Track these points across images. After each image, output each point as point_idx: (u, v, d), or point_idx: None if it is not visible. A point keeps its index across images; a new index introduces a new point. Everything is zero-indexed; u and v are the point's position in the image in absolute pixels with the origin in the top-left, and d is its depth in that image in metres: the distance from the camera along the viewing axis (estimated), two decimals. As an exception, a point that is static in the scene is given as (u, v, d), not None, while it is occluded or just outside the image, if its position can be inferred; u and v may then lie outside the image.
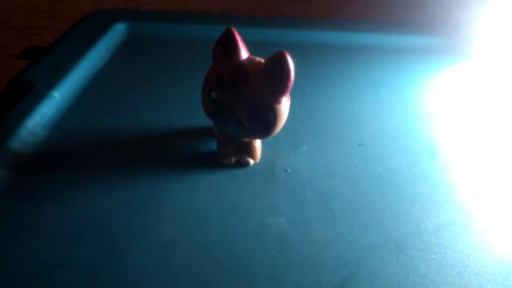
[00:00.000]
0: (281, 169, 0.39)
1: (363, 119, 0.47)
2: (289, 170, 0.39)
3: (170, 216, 0.34)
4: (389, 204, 0.36)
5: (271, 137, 0.36)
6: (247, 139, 0.38)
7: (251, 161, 0.39)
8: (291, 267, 0.31)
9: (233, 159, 0.39)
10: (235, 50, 0.34)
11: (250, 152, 0.39)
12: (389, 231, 0.34)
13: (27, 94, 0.45)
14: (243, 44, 0.35)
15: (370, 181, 0.38)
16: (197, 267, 0.30)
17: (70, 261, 0.30)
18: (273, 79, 0.33)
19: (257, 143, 0.39)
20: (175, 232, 0.33)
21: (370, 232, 0.34)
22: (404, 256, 0.32)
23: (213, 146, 0.40)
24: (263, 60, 0.34)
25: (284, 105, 0.34)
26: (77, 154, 0.40)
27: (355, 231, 0.34)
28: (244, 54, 0.35)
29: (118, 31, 0.61)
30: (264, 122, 0.34)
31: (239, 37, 0.34)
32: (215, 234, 0.33)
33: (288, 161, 0.40)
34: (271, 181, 0.38)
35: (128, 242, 0.32)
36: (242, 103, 0.34)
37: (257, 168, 0.39)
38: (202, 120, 0.38)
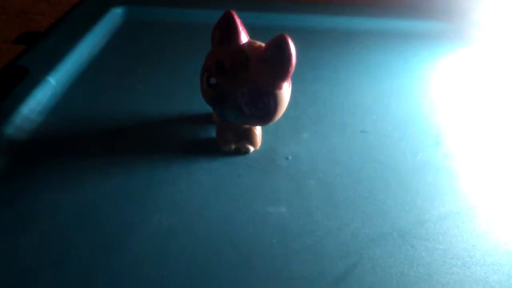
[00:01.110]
0: (282, 156, 0.38)
1: (365, 106, 0.46)
2: (290, 157, 0.38)
3: (168, 205, 0.33)
4: (392, 192, 0.35)
5: (271, 124, 0.35)
6: (247, 126, 0.37)
7: (251, 148, 0.38)
8: (292, 257, 0.30)
9: (233, 146, 0.38)
10: (235, 34, 0.33)
11: (250, 139, 0.38)
12: (392, 220, 0.33)
13: (22, 79, 0.44)
14: (243, 28, 0.34)
15: (372, 169, 0.38)
16: (196, 257, 0.30)
17: (67, 250, 0.30)
18: (274, 64, 0.32)
19: (257, 130, 0.38)
20: (174, 221, 0.32)
21: (373, 221, 0.33)
22: (407, 245, 0.31)
23: (212, 133, 0.40)
24: (263, 45, 0.33)
25: (285, 91, 0.33)
26: (73, 141, 0.40)
27: (358, 220, 0.33)
28: (244, 38, 0.34)
29: (114, 16, 0.60)
30: (264, 109, 0.33)
31: (239, 20, 0.33)
32: (215, 224, 0.32)
33: (289, 148, 0.39)
34: (272, 169, 0.37)
35: (125, 231, 0.31)
36: (242, 88, 0.33)
37: (257, 155, 0.38)
38: (201, 106, 0.37)
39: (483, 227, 0.33)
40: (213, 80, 0.33)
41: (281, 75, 0.32)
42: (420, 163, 0.39)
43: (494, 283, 0.29)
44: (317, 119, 0.43)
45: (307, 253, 0.30)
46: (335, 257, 0.30)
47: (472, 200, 0.35)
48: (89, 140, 0.40)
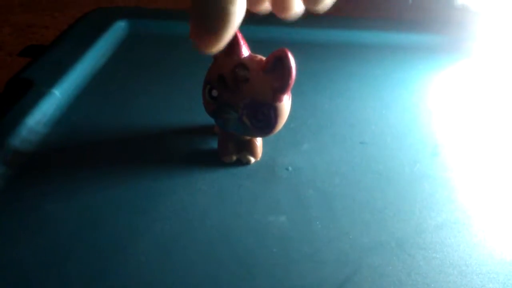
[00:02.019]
0: (282, 167, 0.39)
1: (364, 117, 0.47)
2: (290, 168, 0.39)
3: (170, 214, 0.34)
4: (390, 202, 0.36)
5: (272, 135, 0.36)
6: (248, 138, 0.38)
7: (252, 159, 0.39)
8: (292, 266, 0.31)
9: (234, 157, 0.39)
10: (237, 47, 0.34)
11: (251, 151, 0.39)
12: (391, 230, 0.34)
13: (28, 92, 0.45)
14: (244, 42, 0.35)
15: (371, 180, 0.38)
16: (198, 266, 0.30)
17: (70, 259, 0.30)
18: (274, 77, 0.33)
19: (258, 142, 0.39)
20: (175, 230, 0.33)
21: (371, 230, 0.34)
22: (405, 254, 0.32)
23: (214, 144, 0.40)
24: (264, 58, 0.34)
25: (285, 103, 0.34)
26: (77, 152, 0.40)
27: (357, 229, 0.34)
28: (245, 51, 0.35)
29: (118, 29, 0.61)
30: (265, 120, 0.34)
31: (240, 34, 0.34)
32: (216, 233, 0.33)
33: (289, 159, 0.40)
34: (272, 179, 0.38)
35: (128, 240, 0.32)
36: (243, 101, 0.33)
37: (258, 166, 0.39)
38: (203, 118, 0.38)
39: (479, 237, 0.33)
40: (214, 93, 0.34)
41: (282, 88, 0.33)
42: (418, 174, 0.39)
43: (491, 291, 0.30)
44: (316, 131, 0.44)
45: (307, 262, 0.31)
46: (335, 266, 0.31)
47: (469, 210, 0.36)
48: (92, 151, 0.40)
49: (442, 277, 0.30)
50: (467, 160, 0.41)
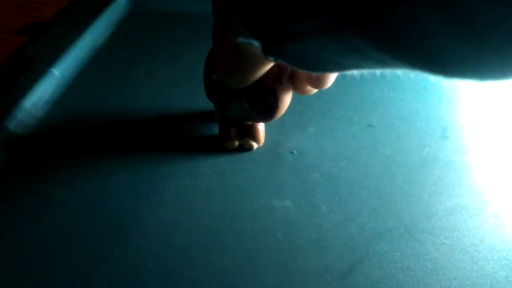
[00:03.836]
0: (287, 151, 0.38)
1: (371, 100, 0.45)
2: (295, 152, 0.38)
3: (173, 199, 0.33)
4: (398, 186, 0.35)
5: (276, 119, 0.35)
6: (250, 123, 0.37)
7: (255, 145, 0.38)
8: (297, 251, 0.30)
9: (236, 143, 0.38)
10: None
11: (254, 136, 0.37)
12: (399, 215, 0.33)
13: (26, 71, 0.44)
14: None
15: (379, 163, 0.37)
16: (201, 251, 0.30)
17: (71, 244, 0.30)
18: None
19: (261, 127, 0.38)
20: (178, 215, 0.32)
21: (379, 215, 0.33)
22: (414, 240, 0.31)
23: (217, 128, 0.39)
24: None
25: (286, 86, 0.33)
26: (76, 135, 0.39)
27: (364, 214, 0.33)
28: None
29: (119, 6, 0.59)
30: (265, 105, 0.33)
31: None
32: (219, 218, 0.32)
33: (294, 143, 0.39)
34: (277, 163, 0.37)
35: (130, 225, 0.31)
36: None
37: (262, 150, 0.38)
38: (206, 101, 0.37)
39: (491, 222, 0.33)
40: (214, 77, 0.33)
41: (281, 70, 0.32)
42: (427, 157, 0.38)
43: (502, 278, 0.29)
44: (322, 114, 0.43)
45: (312, 247, 0.30)
46: (341, 252, 0.30)
47: (480, 194, 0.35)
48: (92, 134, 0.39)
49: (452, 263, 0.30)
50: (478, 143, 0.40)
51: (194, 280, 0.28)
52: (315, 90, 0.30)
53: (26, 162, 0.36)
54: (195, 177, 0.35)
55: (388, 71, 0.18)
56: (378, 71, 0.19)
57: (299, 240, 0.31)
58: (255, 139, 0.38)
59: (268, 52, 0.20)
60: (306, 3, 0.16)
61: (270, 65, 0.28)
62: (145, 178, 0.35)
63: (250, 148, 0.38)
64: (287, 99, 0.33)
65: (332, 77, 0.27)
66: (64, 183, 0.34)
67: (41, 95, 0.42)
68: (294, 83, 0.30)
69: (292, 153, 0.38)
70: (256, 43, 0.20)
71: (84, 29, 0.52)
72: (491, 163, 0.38)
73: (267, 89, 0.32)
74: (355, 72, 0.20)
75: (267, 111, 0.33)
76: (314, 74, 0.27)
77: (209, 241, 0.30)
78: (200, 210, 0.33)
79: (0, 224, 0.31)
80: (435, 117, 0.43)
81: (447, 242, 0.31)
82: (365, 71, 0.20)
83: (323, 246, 0.30)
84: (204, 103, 0.37)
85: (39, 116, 0.40)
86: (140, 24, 0.58)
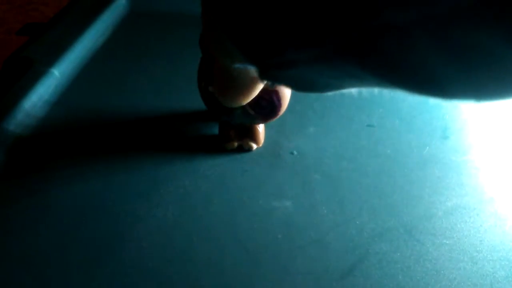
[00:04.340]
0: (287, 151, 0.38)
1: (371, 99, 0.45)
2: (295, 152, 0.38)
3: (172, 199, 0.33)
4: (398, 186, 0.35)
5: (276, 119, 0.35)
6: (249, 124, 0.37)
7: (254, 146, 0.38)
8: (297, 252, 0.30)
9: (236, 144, 0.38)
10: None
11: (253, 137, 0.37)
12: (399, 215, 0.33)
13: (26, 71, 0.44)
14: None
15: (379, 163, 0.37)
16: (201, 252, 0.30)
17: (71, 245, 0.30)
18: None
19: (260, 127, 0.38)
20: (178, 216, 0.32)
21: (379, 215, 0.33)
22: (414, 240, 0.31)
23: (216, 128, 0.39)
24: None
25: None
26: (76, 135, 0.39)
27: (364, 214, 0.33)
28: None
29: (119, 6, 0.59)
30: (268, 107, 0.33)
31: None
32: (219, 218, 0.32)
33: (294, 143, 0.39)
34: (277, 164, 0.37)
35: (130, 226, 0.31)
36: None
37: (262, 150, 0.38)
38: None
39: (491, 222, 0.33)
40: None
41: None
42: (427, 157, 0.38)
43: (502, 278, 0.29)
44: (322, 113, 0.43)
45: (312, 248, 0.30)
46: (341, 252, 0.30)
47: (480, 194, 0.35)
48: (92, 134, 0.39)
49: (452, 264, 0.29)
50: (478, 143, 0.40)
51: (194, 280, 0.28)
52: None
53: (25, 162, 0.36)
54: (195, 178, 0.35)
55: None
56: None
57: (299, 240, 0.31)
58: (255, 139, 0.38)
59: (264, 76, 0.20)
60: (301, 33, 0.16)
61: (263, 84, 0.27)
62: (145, 178, 0.35)
63: (250, 148, 0.38)
64: (288, 94, 0.34)
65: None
66: (64, 183, 0.34)
67: (40, 95, 0.42)
68: None
69: (292, 153, 0.38)
70: (251, 68, 0.20)
71: (84, 29, 0.52)
72: (491, 163, 0.38)
73: (268, 90, 0.32)
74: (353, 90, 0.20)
75: (271, 111, 0.34)
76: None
77: (209, 242, 0.30)
78: (200, 211, 0.33)
79: (0, 224, 0.31)
80: (435, 117, 0.43)
81: (447, 242, 0.31)
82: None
83: (323, 246, 0.30)
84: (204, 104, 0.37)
85: (38, 116, 0.40)
86: (140, 24, 0.58)
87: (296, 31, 0.16)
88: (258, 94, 0.32)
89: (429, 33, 0.12)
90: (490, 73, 0.12)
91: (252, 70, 0.20)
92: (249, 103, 0.32)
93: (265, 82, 0.23)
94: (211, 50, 0.25)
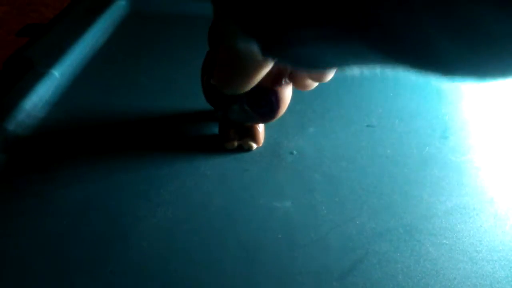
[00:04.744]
0: (287, 151, 0.38)
1: (371, 100, 0.45)
2: (295, 152, 0.38)
3: (173, 198, 0.33)
4: (398, 187, 0.35)
5: (276, 119, 0.35)
6: (250, 124, 0.37)
7: (254, 146, 0.38)
8: (297, 252, 0.30)
9: (236, 144, 0.38)
10: None
11: (253, 137, 0.37)
12: (399, 215, 0.33)
13: (26, 72, 0.44)
14: None
15: (379, 164, 0.37)
16: (201, 251, 0.30)
17: (71, 245, 0.30)
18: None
19: (260, 127, 0.38)
20: (178, 216, 0.32)
21: (379, 216, 0.33)
22: (414, 240, 0.31)
23: (216, 129, 0.39)
24: None
25: (286, 86, 0.33)
26: (76, 135, 0.39)
27: (364, 214, 0.33)
28: None
29: (119, 7, 0.59)
30: (267, 106, 0.33)
31: None
32: (219, 218, 0.32)
33: (294, 143, 0.39)
34: (277, 164, 0.37)
35: (130, 226, 0.31)
36: None
37: (262, 150, 0.38)
38: (206, 102, 0.37)
39: (490, 222, 0.33)
40: (213, 81, 0.33)
41: (280, 70, 0.32)
42: (427, 157, 0.38)
43: (501, 278, 0.29)
44: (322, 114, 0.43)
45: (312, 248, 0.30)
46: (341, 252, 0.30)
47: (480, 194, 0.35)
48: (92, 134, 0.39)
49: (452, 264, 0.30)
50: (478, 143, 0.40)
51: (194, 280, 0.28)
52: (316, 84, 0.30)
53: (26, 162, 0.36)
54: (195, 178, 0.35)
55: (388, 72, 0.19)
56: (378, 71, 0.19)
57: (299, 240, 0.31)
58: (255, 139, 0.38)
59: (268, 54, 0.20)
60: (305, 13, 0.16)
61: (269, 67, 0.28)
62: (145, 178, 0.35)
63: (250, 148, 0.38)
64: (288, 97, 0.33)
65: (332, 71, 0.27)
66: (64, 183, 0.34)
67: (41, 96, 0.42)
68: (295, 79, 0.30)
69: (292, 153, 0.38)
70: (255, 47, 0.20)
71: (84, 30, 0.52)
72: (491, 163, 0.38)
73: (268, 90, 0.32)
74: (355, 70, 0.20)
75: (269, 112, 0.33)
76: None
77: (209, 242, 0.30)
78: (200, 211, 0.33)
79: (0, 224, 0.31)
80: (435, 117, 0.43)
81: (447, 242, 0.31)
82: (366, 71, 0.20)
83: (323, 246, 0.30)
84: (204, 103, 0.37)
85: (39, 117, 0.40)
86: (140, 25, 0.58)
87: (301, 8, 0.16)
88: (258, 93, 0.32)
89: (432, 7, 0.12)
90: (491, 49, 0.12)
91: (255, 48, 0.20)
92: (247, 101, 0.32)
93: (270, 62, 0.23)
94: (220, 33, 0.25)
